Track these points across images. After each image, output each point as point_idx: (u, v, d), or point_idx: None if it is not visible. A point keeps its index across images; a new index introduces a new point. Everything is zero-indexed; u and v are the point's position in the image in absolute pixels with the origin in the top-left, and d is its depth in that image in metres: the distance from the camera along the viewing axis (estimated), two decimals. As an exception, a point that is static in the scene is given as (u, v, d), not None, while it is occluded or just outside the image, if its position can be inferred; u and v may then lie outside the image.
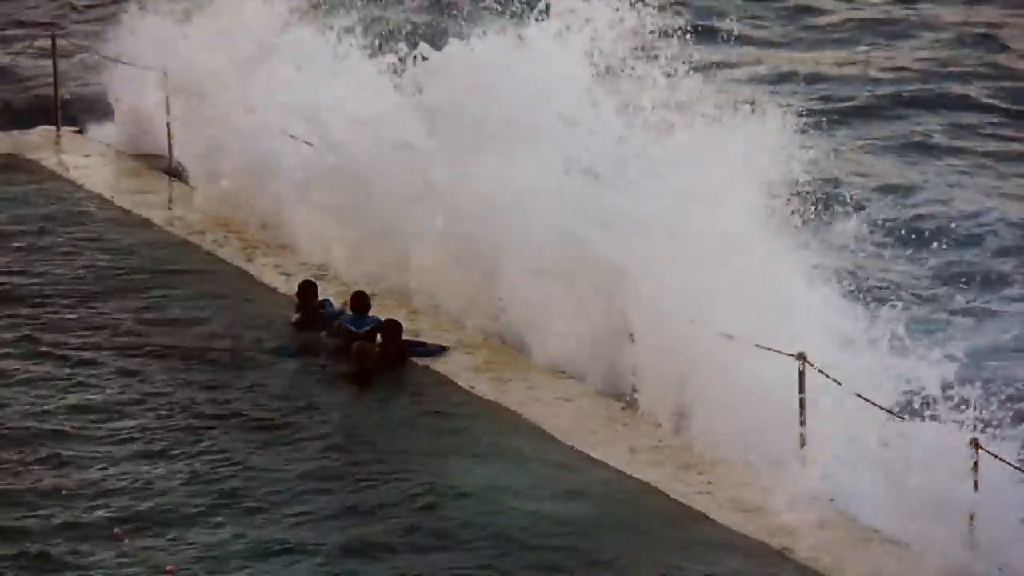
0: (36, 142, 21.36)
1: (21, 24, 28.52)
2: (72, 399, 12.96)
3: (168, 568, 10.86)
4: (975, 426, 11.03)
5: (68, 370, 13.50)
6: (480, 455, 12.02)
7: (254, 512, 10.98)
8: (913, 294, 17.56)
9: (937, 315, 16.75)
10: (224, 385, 13.24)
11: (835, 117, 23.90)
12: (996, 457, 10.48)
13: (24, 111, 22.79)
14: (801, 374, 11.79)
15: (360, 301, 13.93)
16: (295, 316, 14.44)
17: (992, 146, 23.59)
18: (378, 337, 13.60)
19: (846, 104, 25.28)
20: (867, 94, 25.71)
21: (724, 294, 12.73)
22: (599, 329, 13.51)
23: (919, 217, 19.97)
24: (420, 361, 13.65)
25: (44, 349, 13.92)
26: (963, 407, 11.46)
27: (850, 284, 14.90)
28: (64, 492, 11.27)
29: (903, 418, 11.37)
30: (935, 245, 18.66)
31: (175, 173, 19.11)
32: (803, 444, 11.70)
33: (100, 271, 16.16)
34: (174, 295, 15.47)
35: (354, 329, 13.61)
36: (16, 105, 23.24)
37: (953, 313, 17.08)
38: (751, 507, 11.31)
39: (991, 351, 15.30)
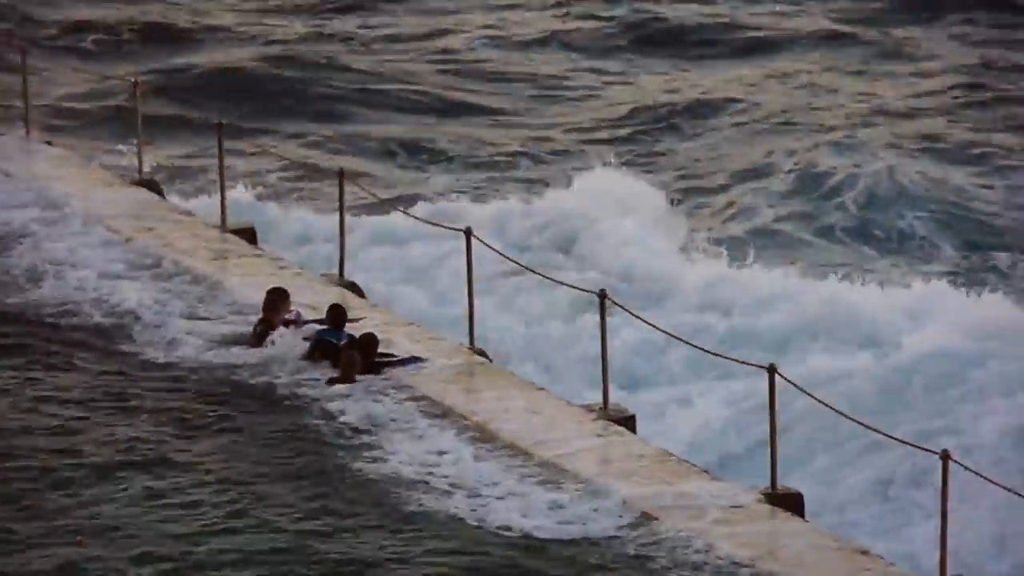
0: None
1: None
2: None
3: (78, 539, 11.26)
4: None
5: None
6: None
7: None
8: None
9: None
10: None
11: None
12: (966, 468, 11.13)
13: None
14: (772, 384, 12.36)
15: (338, 314, 14.29)
16: (258, 327, 14.68)
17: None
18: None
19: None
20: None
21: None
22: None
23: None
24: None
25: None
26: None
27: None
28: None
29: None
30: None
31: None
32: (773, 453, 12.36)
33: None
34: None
35: (334, 341, 13.98)
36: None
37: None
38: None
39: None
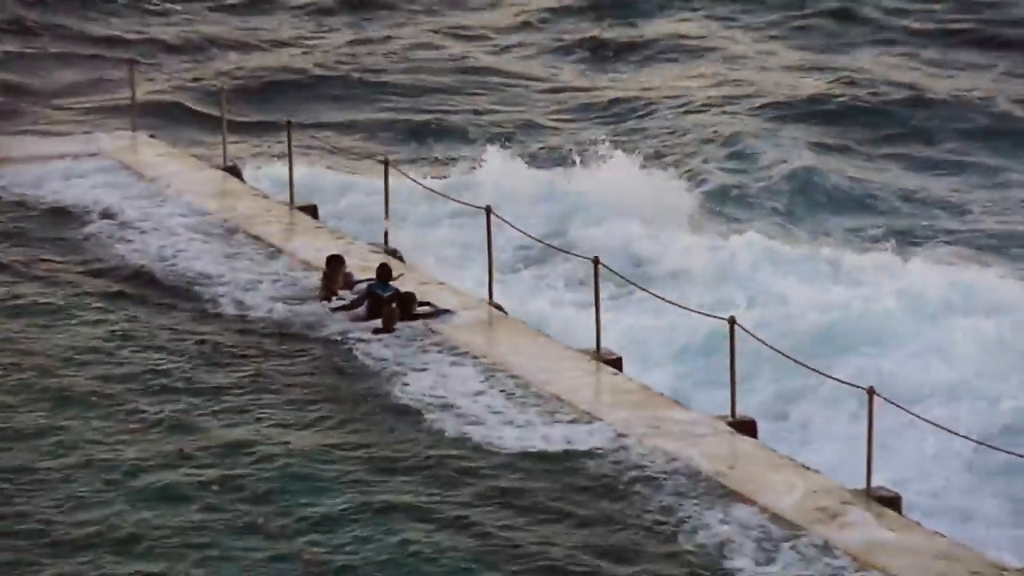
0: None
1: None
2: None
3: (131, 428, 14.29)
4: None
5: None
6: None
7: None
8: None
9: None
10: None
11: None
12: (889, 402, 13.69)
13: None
14: (732, 333, 14.97)
15: (384, 270, 17.27)
16: (322, 286, 17.73)
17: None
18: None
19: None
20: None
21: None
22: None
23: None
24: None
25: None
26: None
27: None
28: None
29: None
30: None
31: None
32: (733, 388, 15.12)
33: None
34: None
35: (381, 293, 16.87)
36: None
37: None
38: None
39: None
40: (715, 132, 29.54)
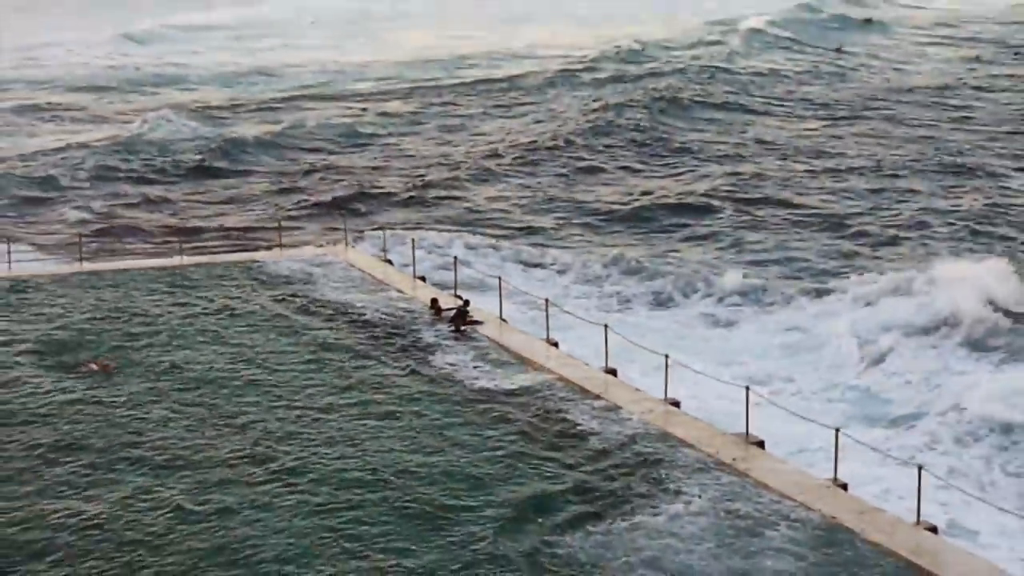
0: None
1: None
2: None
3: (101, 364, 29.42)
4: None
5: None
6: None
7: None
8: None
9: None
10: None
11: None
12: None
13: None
14: (606, 338, 31.52)
15: (435, 305, 34.01)
16: (431, 312, 34.58)
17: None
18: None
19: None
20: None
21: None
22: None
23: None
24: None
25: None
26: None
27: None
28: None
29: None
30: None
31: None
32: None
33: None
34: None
35: (449, 313, 33.64)
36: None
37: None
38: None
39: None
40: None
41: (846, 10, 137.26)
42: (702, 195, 54.36)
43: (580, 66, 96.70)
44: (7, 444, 24.89)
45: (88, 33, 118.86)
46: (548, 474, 23.63)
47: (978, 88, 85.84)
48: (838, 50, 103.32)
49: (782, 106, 78.24)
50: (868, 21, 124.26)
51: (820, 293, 39.47)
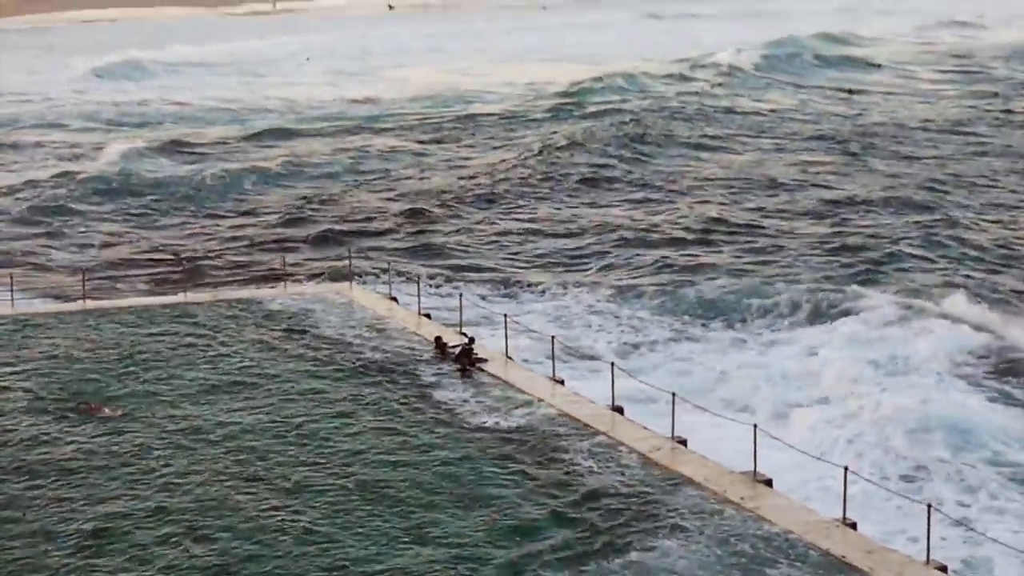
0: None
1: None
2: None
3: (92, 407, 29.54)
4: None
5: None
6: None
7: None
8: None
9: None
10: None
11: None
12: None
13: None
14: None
15: (440, 343, 34.14)
16: (435, 351, 34.68)
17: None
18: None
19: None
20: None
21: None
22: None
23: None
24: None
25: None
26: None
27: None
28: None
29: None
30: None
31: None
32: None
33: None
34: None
35: (454, 352, 33.86)
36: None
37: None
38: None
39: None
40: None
41: (840, 50, 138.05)
42: (708, 224, 54.57)
43: (569, 100, 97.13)
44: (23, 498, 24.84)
45: (62, 71, 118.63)
46: (548, 512, 23.67)
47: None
48: (850, 92, 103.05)
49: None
50: (877, 66, 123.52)
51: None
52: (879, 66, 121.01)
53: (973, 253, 48.79)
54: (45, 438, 27.74)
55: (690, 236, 53.41)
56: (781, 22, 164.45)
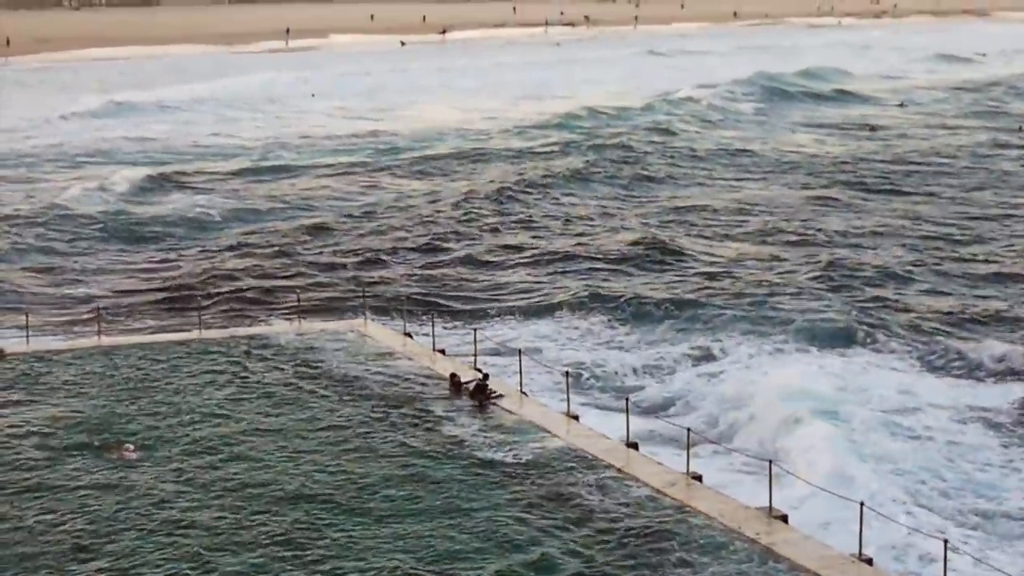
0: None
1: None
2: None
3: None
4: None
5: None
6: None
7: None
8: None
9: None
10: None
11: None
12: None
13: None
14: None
15: (455, 379, 34.27)
16: (450, 387, 34.79)
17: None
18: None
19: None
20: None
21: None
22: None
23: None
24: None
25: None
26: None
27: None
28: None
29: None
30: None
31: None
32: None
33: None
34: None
35: (469, 388, 34.01)
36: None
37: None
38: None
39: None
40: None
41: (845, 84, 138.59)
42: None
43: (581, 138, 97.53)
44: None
45: (39, 112, 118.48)
46: (562, 548, 23.84)
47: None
48: (871, 128, 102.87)
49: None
50: (900, 105, 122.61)
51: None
52: (902, 104, 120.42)
53: None
54: (63, 479, 28.00)
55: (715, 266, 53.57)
56: (787, 57, 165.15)
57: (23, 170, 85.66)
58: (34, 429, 31.21)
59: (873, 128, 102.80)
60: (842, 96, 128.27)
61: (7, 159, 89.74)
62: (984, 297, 48.19)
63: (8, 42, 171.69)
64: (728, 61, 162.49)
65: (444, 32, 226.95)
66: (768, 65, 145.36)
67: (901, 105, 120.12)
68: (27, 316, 41.13)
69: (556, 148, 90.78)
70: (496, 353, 39.22)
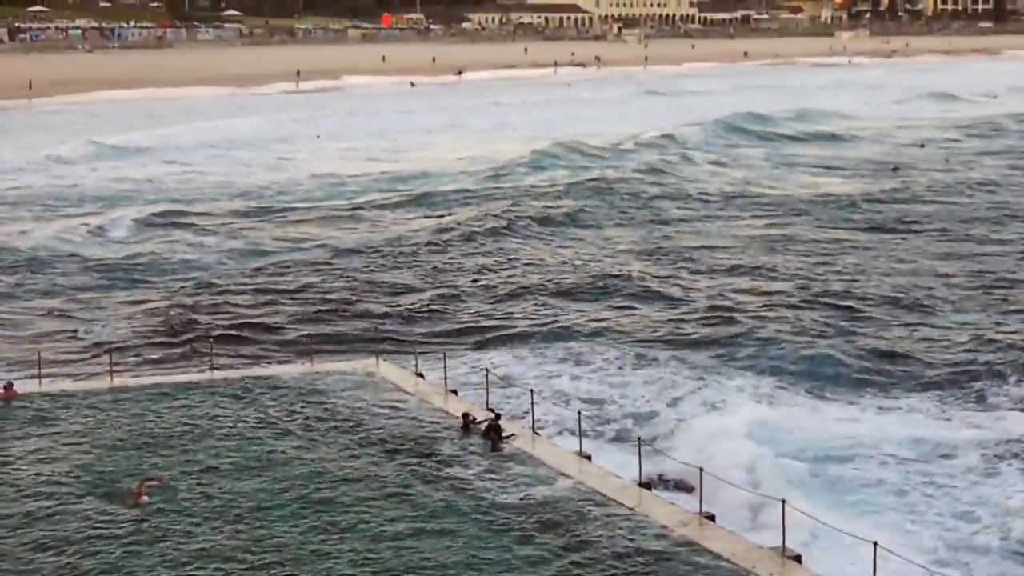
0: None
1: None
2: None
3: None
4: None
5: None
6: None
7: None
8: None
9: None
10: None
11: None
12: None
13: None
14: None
15: (467, 419, 34.26)
16: (462, 427, 34.78)
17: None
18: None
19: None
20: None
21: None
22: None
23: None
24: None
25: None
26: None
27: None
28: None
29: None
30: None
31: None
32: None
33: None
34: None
35: (482, 428, 33.99)
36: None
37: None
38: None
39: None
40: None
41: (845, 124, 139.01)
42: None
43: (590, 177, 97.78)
44: None
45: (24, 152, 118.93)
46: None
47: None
48: (895, 169, 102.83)
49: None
50: (920, 146, 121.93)
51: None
52: (922, 145, 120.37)
53: None
54: (82, 525, 28.01)
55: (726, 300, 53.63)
56: (785, 96, 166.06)
57: (38, 208, 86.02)
58: (49, 470, 31.32)
59: (895, 168, 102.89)
60: (817, 136, 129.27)
61: (27, 199, 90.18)
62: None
63: (31, 85, 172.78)
64: (717, 101, 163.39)
65: (460, 73, 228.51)
66: (758, 105, 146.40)
67: (921, 146, 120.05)
68: (39, 356, 41.20)
69: (546, 186, 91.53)
70: (508, 385, 39.20)
